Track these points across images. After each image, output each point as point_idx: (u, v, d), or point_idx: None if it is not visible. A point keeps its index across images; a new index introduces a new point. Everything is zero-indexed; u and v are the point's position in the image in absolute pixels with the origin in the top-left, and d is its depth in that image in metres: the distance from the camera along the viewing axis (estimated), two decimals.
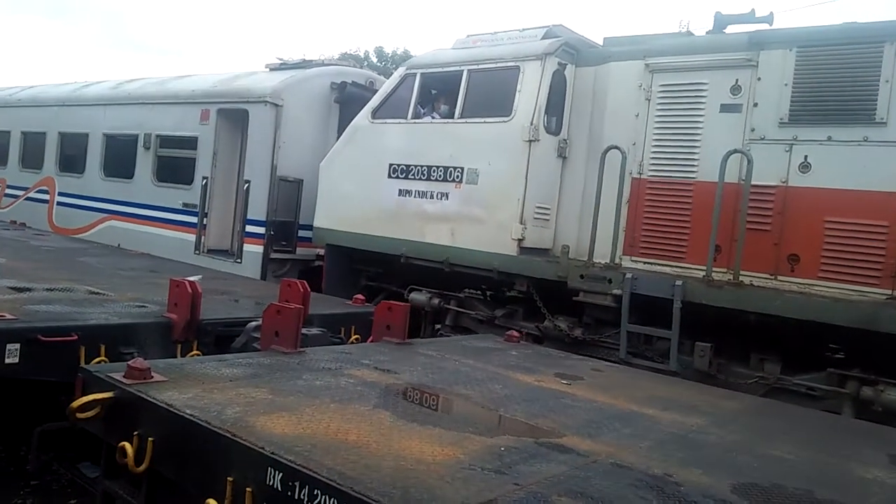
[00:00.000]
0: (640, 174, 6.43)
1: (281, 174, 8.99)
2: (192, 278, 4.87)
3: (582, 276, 6.25)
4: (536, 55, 6.80)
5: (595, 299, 6.19)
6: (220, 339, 4.70)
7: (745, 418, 3.85)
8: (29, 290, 5.09)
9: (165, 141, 10.27)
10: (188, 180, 9.82)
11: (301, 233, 9.30)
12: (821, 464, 3.12)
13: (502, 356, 4.75)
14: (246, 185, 9.10)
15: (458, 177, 7.15)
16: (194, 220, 9.69)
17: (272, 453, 2.37)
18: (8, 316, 3.98)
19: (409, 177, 7.55)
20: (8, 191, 13.50)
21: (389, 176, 7.72)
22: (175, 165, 10.21)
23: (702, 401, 4.07)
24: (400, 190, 7.64)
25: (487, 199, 6.92)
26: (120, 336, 4.26)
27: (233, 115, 9.58)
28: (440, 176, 7.29)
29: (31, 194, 12.76)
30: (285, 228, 9.16)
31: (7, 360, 3.75)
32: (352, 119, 9.05)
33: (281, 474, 2.30)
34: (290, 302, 4.56)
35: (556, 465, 2.62)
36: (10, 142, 13.47)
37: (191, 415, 2.68)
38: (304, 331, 4.28)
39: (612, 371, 4.85)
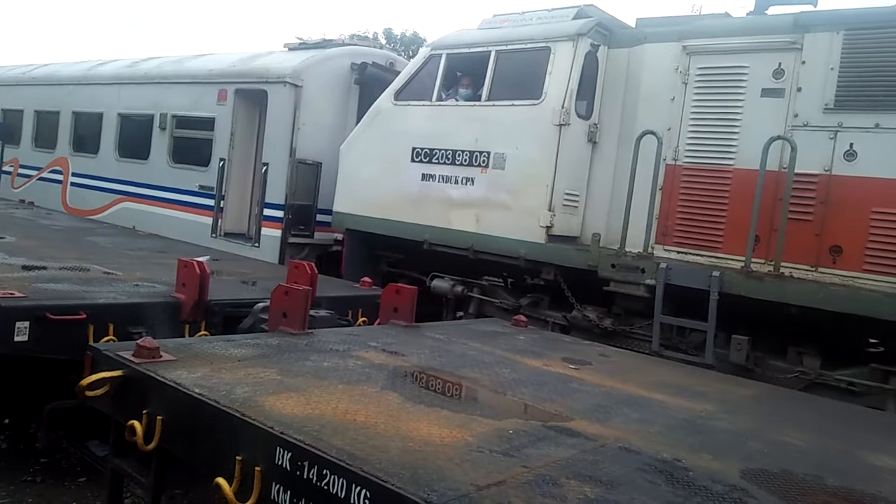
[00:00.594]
0: (675, 160, 6.22)
1: (300, 157, 8.81)
2: (200, 258, 4.84)
3: (613, 266, 6.07)
4: (568, 36, 6.57)
5: (627, 289, 6.01)
6: (228, 319, 4.68)
7: (754, 405, 3.82)
8: (38, 268, 5.08)
9: (182, 121, 10.10)
10: (205, 162, 9.66)
11: (319, 217, 9.14)
12: (831, 451, 3.10)
13: (510, 340, 4.72)
14: (264, 168, 8.92)
15: (484, 161, 6.95)
16: (211, 202, 9.54)
17: (281, 433, 2.37)
18: (17, 294, 3.99)
19: (433, 161, 7.36)
20: (21, 170, 13.38)
21: (412, 160, 7.53)
22: (191, 147, 10.04)
23: (711, 387, 4.03)
24: (423, 174, 7.45)
25: (515, 184, 6.73)
26: (128, 315, 4.27)
27: (251, 95, 9.39)
28: (465, 160, 7.09)
29: (45, 174, 12.63)
30: (303, 212, 8.98)
31: (17, 338, 3.78)
32: (372, 101, 8.85)
33: (290, 454, 2.30)
34: (298, 283, 4.53)
35: (565, 448, 2.61)
36: (23, 121, 13.31)
37: (200, 394, 2.68)
38: (311, 312, 4.27)
39: (619, 356, 4.80)
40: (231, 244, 9.21)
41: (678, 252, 6.16)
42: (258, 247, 8.90)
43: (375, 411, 2.74)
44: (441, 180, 7.30)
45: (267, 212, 8.89)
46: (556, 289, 6.71)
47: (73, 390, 2.98)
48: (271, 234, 8.83)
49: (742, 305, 5.54)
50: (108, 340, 3.97)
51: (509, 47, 6.96)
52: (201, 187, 9.68)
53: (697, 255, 6.06)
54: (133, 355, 3.05)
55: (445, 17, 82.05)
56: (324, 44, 9.35)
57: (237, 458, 2.44)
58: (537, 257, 6.58)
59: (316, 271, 5.16)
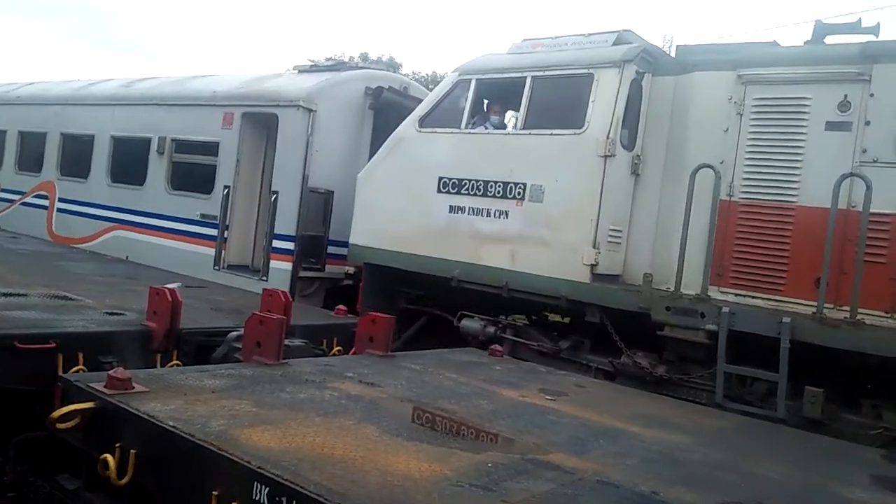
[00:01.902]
0: (731, 196, 5.83)
1: (311, 185, 8.30)
2: (171, 286, 4.74)
3: (668, 309, 5.62)
4: (613, 62, 6.19)
5: (684, 335, 5.56)
6: (201, 348, 4.56)
7: (729, 437, 3.85)
8: (4, 295, 4.97)
9: (182, 146, 9.53)
10: (207, 189, 9.09)
11: (330, 248, 8.62)
12: (804, 483, 3.14)
13: (486, 370, 4.68)
14: (273, 196, 8.38)
15: (519, 193, 6.51)
16: (213, 232, 8.95)
17: (258, 467, 2.35)
18: None
19: (462, 192, 6.90)
20: (1, 195, 12.66)
21: (439, 191, 7.07)
22: (193, 172, 9.48)
23: (685, 418, 4.07)
24: (451, 206, 6.98)
25: (554, 218, 6.28)
26: (99, 344, 4.15)
27: (259, 119, 8.89)
28: (499, 192, 6.64)
29: (28, 199, 11.93)
30: (314, 244, 8.45)
31: None
32: (387, 127, 8.45)
33: (267, 489, 2.28)
34: (271, 312, 4.47)
35: (544, 482, 2.61)
36: (5, 142, 12.62)
37: (174, 427, 2.64)
38: (286, 342, 4.22)
39: (595, 387, 4.83)
40: (236, 277, 8.63)
41: (735, 294, 5.74)
42: (266, 280, 8.32)
43: (353, 444, 2.71)
44: (471, 213, 6.83)
45: (276, 243, 8.33)
46: (599, 331, 6.25)
47: (41, 422, 2.93)
48: (281, 266, 8.27)
49: (809, 354, 5.12)
50: (78, 370, 3.83)
51: (547, 73, 6.56)
52: (203, 216, 9.10)
53: (756, 297, 5.65)
54: (105, 386, 2.96)
55: (420, 43, 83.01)
56: (337, 66, 8.90)
57: (213, 493, 2.40)
58: (581, 297, 6.12)
59: (290, 299, 5.02)
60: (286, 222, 8.28)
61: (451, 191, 6.99)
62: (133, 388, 3.02)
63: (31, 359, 3.79)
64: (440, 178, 7.07)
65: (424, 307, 7.66)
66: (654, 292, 5.76)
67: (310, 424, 2.90)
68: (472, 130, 6.99)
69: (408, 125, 7.51)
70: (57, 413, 2.87)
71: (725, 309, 5.35)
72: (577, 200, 6.18)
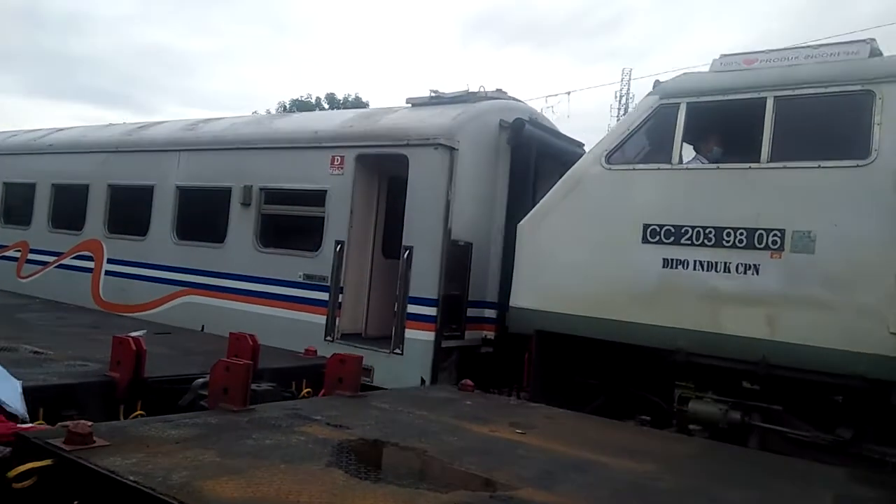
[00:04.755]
0: None
1: (453, 237, 6.88)
2: (135, 334, 4.62)
3: None
4: None
5: None
6: (167, 396, 4.45)
7: (694, 463, 3.86)
8: None
9: (275, 195, 8.07)
10: (312, 245, 7.62)
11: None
12: None
13: (456, 406, 4.60)
14: (406, 252, 6.92)
15: (775, 242, 5.14)
16: (321, 296, 7.46)
17: None
18: None
19: (682, 242, 5.52)
20: (31, 256, 10.98)
21: (645, 240, 5.68)
22: (290, 226, 8.03)
23: (651, 445, 4.03)
24: (665, 259, 5.59)
25: (835, 274, 4.90)
26: (60, 397, 4.08)
27: (377, 162, 7.51)
28: (741, 241, 5.27)
29: (67, 261, 10.29)
30: (454, 306, 6.98)
31: None
32: (524, 166, 7.14)
33: None
34: (238, 357, 4.46)
35: None
36: (35, 197, 11.02)
37: (134, 481, 2.57)
38: (253, 386, 4.14)
39: (563, 418, 4.75)
40: (354, 350, 7.09)
41: None
42: (401, 353, 6.80)
43: (319, 490, 2.66)
44: (698, 267, 5.44)
45: (412, 308, 6.85)
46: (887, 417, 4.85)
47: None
48: (420, 336, 6.77)
49: None
50: (38, 425, 3.67)
51: (799, 92, 5.27)
52: (307, 277, 7.59)
53: None
54: (64, 442, 2.86)
55: (385, 82, 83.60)
56: (464, 97, 7.54)
57: None
58: (888, 376, 4.71)
59: (258, 342, 4.98)
60: (424, 282, 6.82)
61: (665, 240, 5.60)
62: (94, 442, 2.93)
63: None
64: (646, 226, 5.69)
65: (617, 384, 6.21)
66: None
67: (275, 472, 2.86)
68: (691, 166, 5.65)
69: (589, 162, 6.16)
70: (13, 472, 2.78)
71: None
72: (867, 250, 4.82)
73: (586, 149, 8.61)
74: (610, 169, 5.99)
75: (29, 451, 2.91)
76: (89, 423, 3.06)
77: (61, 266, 10.34)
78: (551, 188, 7.80)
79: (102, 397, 4.25)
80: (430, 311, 6.75)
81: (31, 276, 10.76)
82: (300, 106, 39.05)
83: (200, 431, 3.38)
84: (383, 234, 7.92)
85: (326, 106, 39.74)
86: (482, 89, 7.70)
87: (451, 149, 6.85)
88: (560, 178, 8.13)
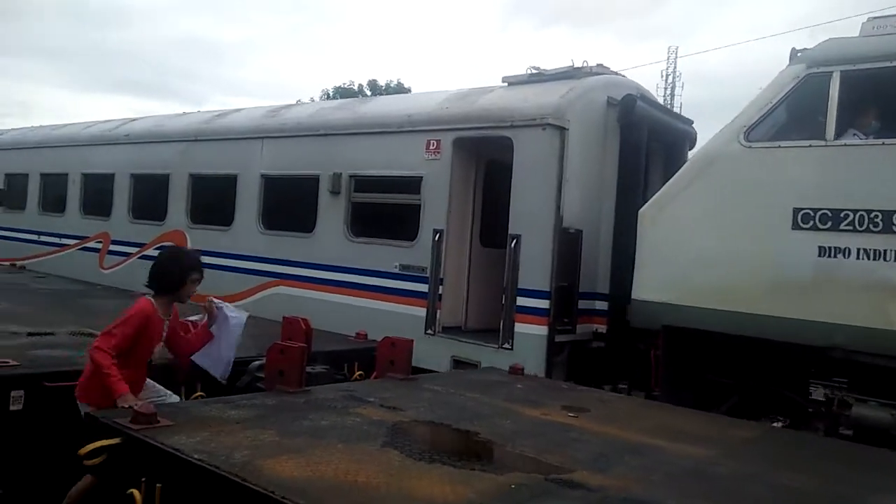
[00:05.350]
0: None
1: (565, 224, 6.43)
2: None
3: None
4: None
5: None
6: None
7: (755, 447, 3.71)
8: (31, 334, 5.16)
9: (366, 183, 7.74)
10: (408, 234, 7.27)
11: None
12: (835, 494, 3.01)
13: (508, 389, 4.60)
14: (513, 241, 6.51)
15: None
16: (418, 287, 7.12)
17: (282, 497, 2.36)
18: (11, 362, 4.08)
19: (842, 228, 4.96)
20: (113, 247, 10.96)
21: (796, 226, 5.13)
22: (383, 215, 7.71)
23: (710, 430, 3.94)
24: (821, 248, 5.04)
25: None
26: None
27: (475, 145, 7.09)
28: None
29: (150, 252, 10.17)
30: (564, 298, 6.54)
31: (12, 408, 3.82)
32: (635, 145, 6.62)
33: None
34: (292, 340, 4.49)
35: (568, 501, 2.60)
36: (114, 187, 10.97)
37: (199, 459, 2.65)
38: (307, 369, 4.23)
39: (617, 401, 4.63)
40: (459, 344, 6.75)
41: None
42: (510, 349, 6.42)
43: (376, 470, 2.70)
44: (863, 256, 4.87)
45: (522, 300, 6.44)
46: None
47: (73, 459, 2.96)
48: (531, 331, 6.38)
49: None
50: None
51: None
52: (403, 267, 7.25)
53: None
54: (130, 421, 2.99)
55: (427, 66, 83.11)
56: (569, 72, 7.02)
57: None
58: None
59: (311, 326, 4.97)
60: (535, 273, 6.41)
61: (821, 226, 5.04)
62: (158, 422, 3.04)
63: (58, 396, 3.85)
64: (796, 210, 5.14)
65: (741, 381, 5.72)
66: None
67: (333, 451, 2.91)
68: (852, 142, 5.06)
69: (724, 140, 5.62)
70: (84, 450, 2.94)
71: None
72: None
73: (694, 126, 8.08)
74: (750, 147, 5.44)
75: (99, 429, 3.06)
76: (153, 404, 3.24)
77: (144, 257, 10.25)
78: (662, 170, 7.30)
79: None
80: (542, 303, 6.34)
81: (113, 266, 10.73)
82: (343, 93, 39.05)
83: (259, 412, 3.49)
84: (481, 221, 7.52)
85: (369, 92, 39.69)
86: (585, 64, 7.18)
87: (562, 129, 6.38)
88: (666, 158, 7.66)
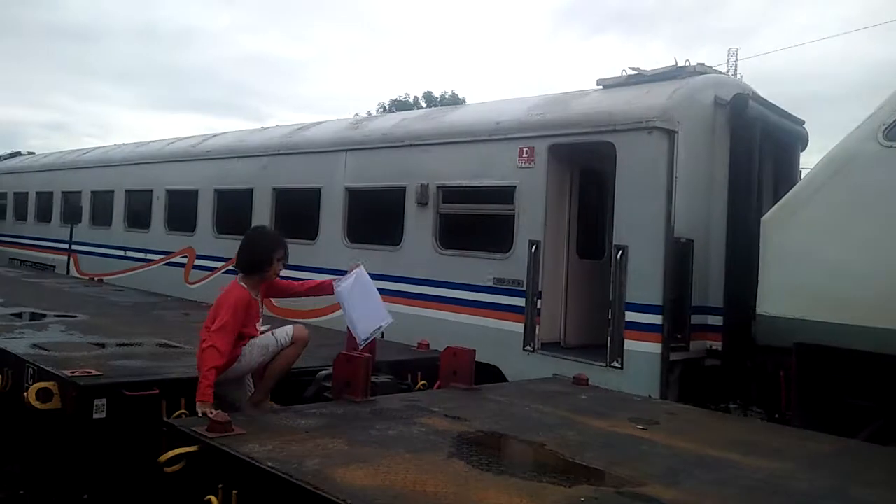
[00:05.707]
0: None
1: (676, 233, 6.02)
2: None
3: None
4: None
5: None
6: (291, 388, 4.58)
7: (833, 461, 3.56)
8: (111, 345, 5.34)
9: (454, 194, 7.50)
10: (501, 246, 6.98)
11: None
12: None
13: (572, 400, 4.51)
14: (619, 252, 6.13)
15: None
16: (514, 301, 6.81)
17: None
18: (94, 372, 4.17)
19: None
20: (198, 262, 11.07)
21: None
22: (474, 226, 7.45)
23: (785, 443, 3.79)
24: None
25: None
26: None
27: (570, 152, 6.76)
28: None
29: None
30: (676, 312, 6.11)
31: (95, 416, 3.89)
32: (749, 149, 6.17)
33: None
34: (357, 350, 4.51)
35: None
36: (197, 203, 11.08)
37: (272, 467, 2.73)
38: (372, 378, 4.26)
39: (687, 413, 4.54)
40: (562, 362, 6.40)
41: None
42: (620, 367, 6.03)
43: (444, 480, 2.73)
44: None
45: (631, 316, 6.05)
46: None
47: (152, 466, 3.04)
48: (643, 349, 5.98)
49: None
50: (179, 414, 4.02)
51: None
52: (498, 281, 6.96)
53: None
54: (206, 430, 3.08)
55: (481, 78, 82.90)
56: (671, 72, 6.61)
57: None
58: None
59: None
60: (645, 286, 6.02)
61: None
62: (233, 430, 3.12)
63: (137, 405, 3.98)
64: None
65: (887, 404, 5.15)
66: None
67: (401, 461, 2.94)
68: None
69: (860, 138, 5.13)
70: (164, 457, 3.01)
71: None
72: None
73: (806, 126, 7.53)
74: (891, 146, 4.93)
75: (176, 437, 3.17)
76: (228, 413, 3.32)
77: (229, 272, 10.30)
78: (773, 173, 6.83)
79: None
80: (654, 319, 5.94)
81: (199, 281, 10.81)
82: (399, 105, 39.30)
83: (328, 421, 3.57)
84: (577, 231, 7.17)
85: (424, 104, 39.85)
86: (687, 63, 6.75)
87: (670, 131, 5.98)
88: (777, 160, 7.14)
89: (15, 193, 17.22)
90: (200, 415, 3.65)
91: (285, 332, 4.40)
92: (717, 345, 6.36)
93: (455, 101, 38.34)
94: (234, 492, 2.80)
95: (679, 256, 6.04)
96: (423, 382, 5.29)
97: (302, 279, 8.92)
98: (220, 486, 2.84)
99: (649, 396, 5.88)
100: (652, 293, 5.94)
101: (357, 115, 24.86)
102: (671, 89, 6.26)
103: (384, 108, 41.35)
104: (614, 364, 6.06)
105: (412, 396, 4.44)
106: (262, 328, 4.46)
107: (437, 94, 41.98)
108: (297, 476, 2.63)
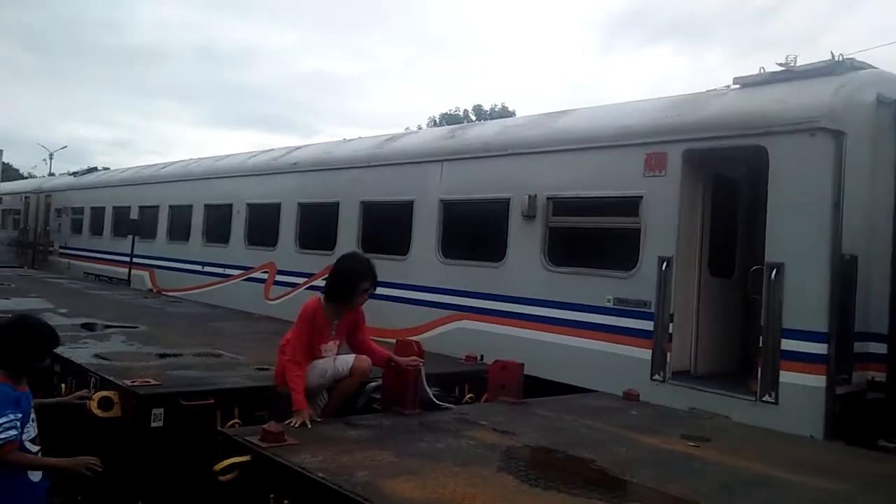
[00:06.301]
0: None
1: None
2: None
3: None
4: None
5: None
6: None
7: (891, 483, 3.50)
8: (168, 355, 5.52)
9: (567, 205, 6.84)
10: (624, 263, 6.28)
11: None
12: None
13: (622, 416, 4.46)
14: (773, 271, 5.39)
15: None
16: (638, 324, 6.09)
17: None
18: (153, 381, 4.34)
19: None
20: (279, 278, 10.70)
21: None
22: (589, 241, 6.79)
23: (843, 464, 3.76)
24: None
25: None
26: (252, 399, 4.41)
27: (704, 158, 6.08)
28: None
29: (319, 282, 9.78)
30: (840, 339, 5.31)
31: (153, 424, 4.02)
32: None
33: None
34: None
35: None
36: (280, 217, 10.74)
37: (323, 478, 2.77)
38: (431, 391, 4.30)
39: (740, 431, 4.49)
40: (699, 394, 5.66)
41: None
42: (773, 402, 5.26)
43: (493, 495, 2.73)
44: None
45: (788, 344, 5.28)
46: None
47: (206, 475, 3.13)
48: (803, 381, 5.16)
49: None
50: (233, 424, 4.11)
51: None
52: (619, 301, 6.28)
53: None
54: (259, 440, 3.17)
55: (530, 90, 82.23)
56: (827, 68, 5.83)
57: None
58: None
59: (422, 348, 4.73)
60: (805, 310, 5.21)
61: None
62: (285, 440, 3.20)
63: (192, 414, 4.09)
64: None
65: None
66: None
67: (449, 474, 2.94)
68: None
69: None
70: (219, 466, 3.10)
71: None
72: None
73: None
74: None
75: (230, 447, 3.23)
76: (280, 424, 3.36)
77: (312, 288, 9.88)
78: None
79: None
80: (818, 348, 5.12)
81: (280, 297, 10.40)
82: (449, 119, 39.23)
83: (377, 433, 3.62)
84: (710, 248, 6.45)
85: (474, 118, 39.74)
86: (840, 57, 5.98)
87: (837, 133, 5.22)
88: None
89: (92, 208, 17.40)
90: (298, 424, 3.66)
91: (345, 362, 4.36)
92: (880, 376, 5.54)
93: (504, 113, 38.02)
94: (286, 501, 2.87)
95: (845, 276, 5.26)
96: (470, 395, 5.35)
97: (393, 296, 8.54)
98: (272, 495, 2.91)
99: (811, 436, 5.12)
100: (815, 318, 5.12)
101: (407, 128, 24.60)
102: (834, 86, 5.47)
103: (434, 121, 41.51)
104: (766, 398, 5.25)
105: (460, 409, 4.46)
106: (326, 352, 4.39)
107: (486, 107, 41.77)
108: (347, 487, 2.68)
